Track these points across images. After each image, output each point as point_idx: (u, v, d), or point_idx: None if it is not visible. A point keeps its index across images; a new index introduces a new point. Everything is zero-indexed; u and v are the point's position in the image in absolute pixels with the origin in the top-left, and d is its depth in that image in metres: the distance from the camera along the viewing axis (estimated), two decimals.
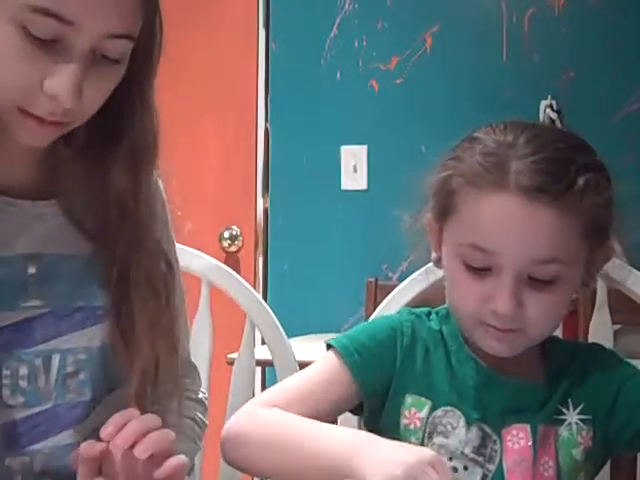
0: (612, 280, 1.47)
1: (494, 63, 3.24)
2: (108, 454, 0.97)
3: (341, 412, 1.21)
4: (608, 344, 1.56)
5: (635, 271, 1.54)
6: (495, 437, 1.18)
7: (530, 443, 1.17)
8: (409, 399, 1.20)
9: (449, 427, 1.18)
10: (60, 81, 1.00)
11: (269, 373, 3.17)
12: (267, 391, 1.21)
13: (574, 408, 1.20)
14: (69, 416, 1.12)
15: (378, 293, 3.01)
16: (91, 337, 1.13)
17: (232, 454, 1.16)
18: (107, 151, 1.13)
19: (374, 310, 1.66)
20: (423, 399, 1.19)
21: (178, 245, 1.32)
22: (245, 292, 1.70)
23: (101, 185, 1.14)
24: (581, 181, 1.10)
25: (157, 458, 0.98)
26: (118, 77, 1.07)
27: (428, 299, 1.50)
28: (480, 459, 1.17)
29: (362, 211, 3.32)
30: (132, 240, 1.14)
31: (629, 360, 1.26)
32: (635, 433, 1.19)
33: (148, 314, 1.14)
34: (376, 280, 3.11)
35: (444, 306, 1.24)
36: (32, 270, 1.11)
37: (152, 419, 1.00)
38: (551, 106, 3.15)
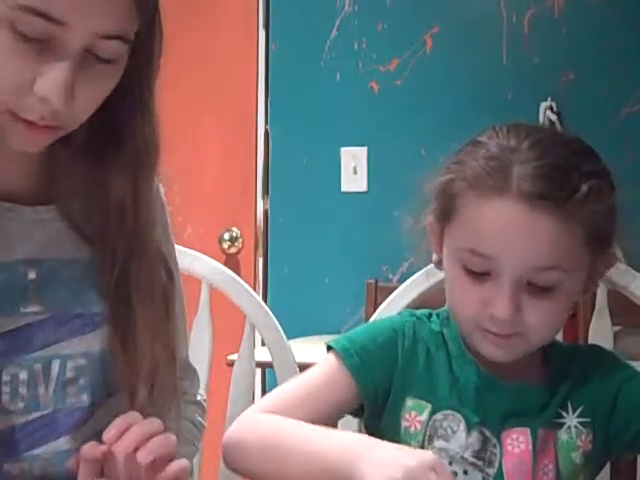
0: (612, 282, 1.47)
1: (494, 64, 3.24)
2: (110, 456, 0.97)
3: (342, 415, 1.21)
4: (608, 346, 1.56)
5: (635, 273, 1.54)
6: (495, 441, 1.18)
7: (530, 447, 1.17)
8: (409, 402, 1.19)
9: (449, 431, 1.17)
10: (50, 81, 0.98)
11: (269, 375, 3.17)
12: (267, 396, 1.21)
13: (573, 411, 1.19)
14: (68, 421, 1.11)
15: (378, 294, 3.01)
16: (91, 343, 1.12)
17: (233, 461, 1.16)
18: (107, 156, 1.12)
19: (374, 312, 1.66)
20: (423, 402, 1.19)
21: (178, 247, 1.32)
22: (245, 294, 1.70)
23: (100, 190, 1.13)
24: (584, 188, 1.09)
25: (159, 462, 0.98)
26: (113, 79, 1.05)
27: (428, 301, 1.50)
28: (480, 463, 1.17)
29: (362, 213, 3.32)
30: (131, 246, 1.13)
31: (629, 362, 1.26)
32: (635, 434, 1.19)
33: (147, 321, 1.13)
34: (376, 281, 3.11)
35: (445, 308, 1.24)
36: (32, 276, 1.10)
37: (154, 423, 0.99)
38: (551, 108, 3.15)
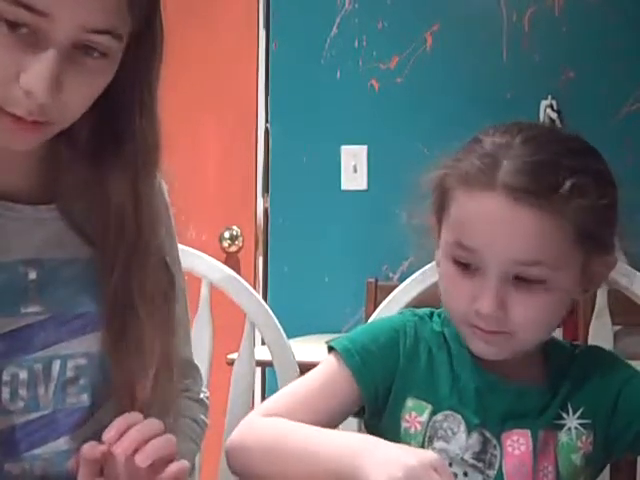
0: (613, 282, 1.47)
1: (494, 63, 3.24)
2: (110, 456, 0.97)
3: (344, 416, 1.21)
4: (608, 345, 1.56)
5: (636, 272, 1.54)
6: (495, 442, 1.17)
7: (530, 449, 1.17)
8: (410, 403, 1.19)
9: (449, 432, 1.17)
10: (35, 74, 0.97)
11: (269, 374, 3.17)
12: (269, 399, 1.21)
13: (574, 412, 1.19)
14: (68, 422, 1.11)
15: (378, 293, 3.01)
16: (91, 343, 1.12)
17: (236, 465, 1.16)
18: (108, 156, 1.12)
19: (374, 311, 1.66)
20: (424, 403, 1.19)
21: (179, 246, 1.32)
22: (245, 292, 1.70)
23: (101, 191, 1.12)
24: (567, 184, 1.09)
25: (159, 463, 0.98)
26: (106, 75, 1.04)
27: (429, 299, 1.50)
28: (480, 465, 1.17)
29: (362, 211, 3.32)
30: (132, 249, 1.13)
31: (629, 362, 1.25)
32: (636, 436, 1.18)
33: (147, 322, 1.13)
34: (376, 280, 3.11)
35: None
36: (32, 276, 1.10)
37: (154, 424, 0.99)
38: (551, 106, 3.15)
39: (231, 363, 1.76)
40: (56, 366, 1.10)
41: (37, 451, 1.09)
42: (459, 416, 1.18)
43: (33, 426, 1.09)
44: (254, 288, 1.82)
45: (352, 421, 1.29)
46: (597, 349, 1.29)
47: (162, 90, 1.14)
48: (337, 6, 3.38)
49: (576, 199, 1.09)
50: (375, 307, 1.71)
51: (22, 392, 1.08)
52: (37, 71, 0.98)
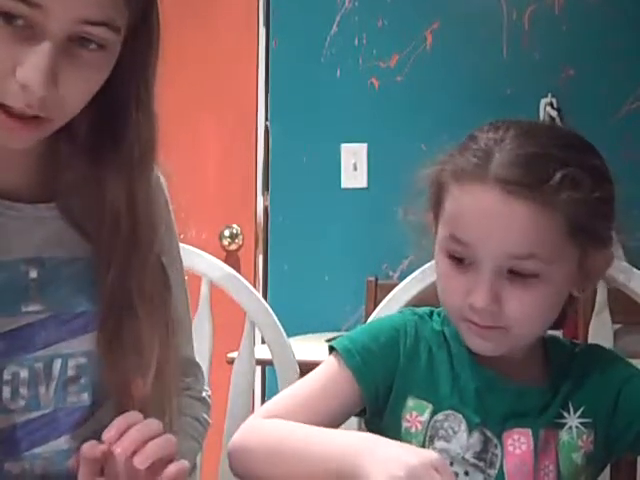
0: (612, 279, 1.46)
1: (494, 61, 3.24)
2: (110, 455, 0.97)
3: (346, 417, 1.21)
4: (608, 344, 1.56)
5: (635, 270, 1.54)
6: (496, 441, 1.17)
7: (531, 448, 1.17)
8: (410, 402, 1.19)
9: (450, 431, 1.17)
10: (30, 67, 0.97)
11: (269, 372, 3.17)
12: (270, 401, 1.21)
13: (575, 411, 1.19)
14: (69, 421, 1.11)
15: (378, 292, 3.01)
16: (92, 342, 1.12)
17: (239, 468, 1.16)
18: (105, 154, 1.11)
19: (374, 309, 1.66)
20: (425, 402, 1.19)
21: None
22: (245, 291, 1.70)
23: (97, 189, 1.12)
24: (558, 176, 1.09)
25: (159, 463, 0.98)
26: (103, 68, 1.04)
27: (429, 298, 1.49)
28: (481, 464, 1.16)
29: (362, 209, 3.32)
30: (128, 247, 1.12)
31: (629, 360, 1.25)
32: (636, 435, 1.18)
33: (143, 324, 1.12)
34: (376, 279, 3.11)
35: None
36: (33, 275, 1.10)
37: (154, 425, 0.99)
38: (551, 104, 3.15)
39: (231, 362, 1.76)
40: (57, 365, 1.10)
41: (37, 450, 1.09)
42: (460, 415, 1.17)
43: (34, 425, 1.09)
44: (254, 287, 1.82)
45: (353, 420, 1.29)
46: (597, 347, 1.28)
47: (162, 88, 1.13)
48: (337, 4, 3.38)
49: (567, 191, 1.09)
50: (375, 306, 1.71)
51: (23, 391, 1.08)
52: (32, 64, 0.97)
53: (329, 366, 1.20)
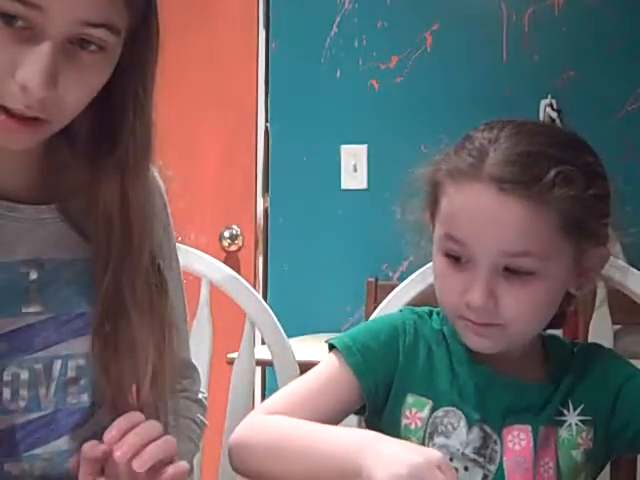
0: (612, 280, 1.47)
1: (494, 62, 3.24)
2: (110, 455, 0.97)
3: (345, 414, 1.21)
4: (608, 344, 1.55)
5: (635, 271, 1.54)
6: (496, 437, 1.18)
7: (531, 444, 1.17)
8: (410, 399, 1.20)
9: (450, 427, 1.18)
10: (29, 68, 0.97)
11: (269, 373, 3.17)
12: (270, 398, 1.21)
13: (574, 409, 1.19)
14: (68, 422, 1.11)
15: (378, 293, 3.01)
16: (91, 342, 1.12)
17: (239, 463, 1.17)
18: (102, 156, 1.11)
19: (374, 310, 1.66)
20: (424, 399, 1.19)
21: (178, 244, 1.31)
22: (245, 292, 1.70)
23: (94, 192, 1.12)
24: (551, 173, 1.09)
25: (159, 465, 0.98)
26: (103, 70, 1.04)
27: (428, 299, 1.49)
28: (481, 460, 1.17)
29: (362, 210, 3.32)
30: (121, 250, 1.12)
31: (630, 361, 1.25)
32: (635, 434, 1.19)
33: (137, 327, 1.12)
34: (376, 280, 3.11)
35: None
36: (33, 276, 1.10)
37: (153, 427, 0.99)
38: (551, 105, 3.15)
39: (231, 363, 1.76)
40: (57, 366, 1.10)
41: (37, 451, 1.09)
42: (459, 412, 1.18)
43: (33, 426, 1.09)
44: (254, 288, 1.82)
45: (352, 418, 1.29)
46: (597, 347, 1.29)
47: (162, 90, 1.13)
48: (337, 6, 3.38)
49: (561, 188, 1.10)
50: (375, 307, 1.71)
51: (23, 392, 1.08)
52: (32, 65, 0.97)
53: (329, 364, 1.20)
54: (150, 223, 1.16)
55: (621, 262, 1.40)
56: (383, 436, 1.06)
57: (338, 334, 1.24)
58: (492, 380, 1.19)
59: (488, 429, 1.18)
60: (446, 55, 3.28)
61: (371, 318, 1.55)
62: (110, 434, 0.97)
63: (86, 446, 0.98)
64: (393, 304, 1.61)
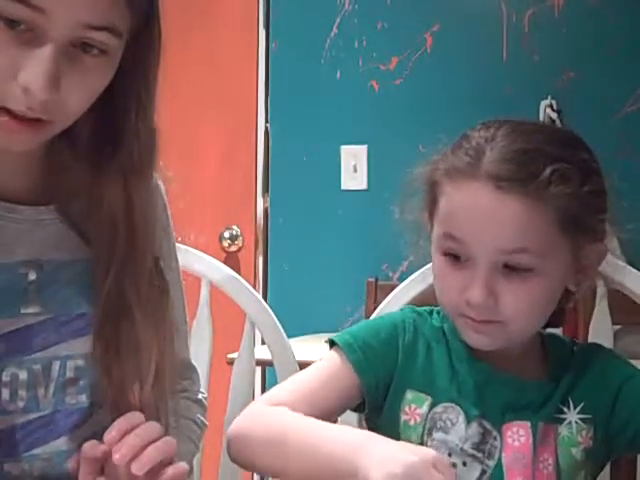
0: (611, 280, 1.47)
1: (494, 63, 3.24)
2: (110, 455, 0.97)
3: (344, 410, 1.22)
4: (608, 344, 1.56)
5: (634, 271, 1.54)
6: (495, 433, 1.18)
7: (530, 441, 1.18)
8: (409, 395, 1.20)
9: (449, 423, 1.18)
10: (32, 70, 0.97)
11: (269, 373, 3.17)
12: (270, 391, 1.21)
13: (574, 407, 1.20)
14: (67, 422, 1.11)
15: (378, 293, 3.01)
16: (91, 344, 1.11)
17: (236, 453, 1.17)
18: (104, 158, 1.11)
19: (374, 310, 1.66)
20: (423, 395, 1.20)
21: (178, 245, 1.32)
22: (245, 292, 1.70)
23: (96, 193, 1.12)
24: (548, 170, 1.10)
25: (158, 466, 0.98)
26: (105, 73, 1.04)
27: (428, 299, 1.50)
28: (479, 455, 1.17)
29: (362, 211, 3.32)
30: (125, 253, 1.12)
31: (630, 361, 1.26)
32: (635, 434, 1.19)
33: (141, 329, 1.12)
34: (376, 280, 3.11)
35: None
36: (32, 277, 1.10)
37: (153, 428, 0.99)
38: (551, 106, 3.15)
39: (231, 363, 1.76)
40: (56, 367, 1.10)
41: (36, 451, 1.09)
42: (458, 407, 1.18)
43: (32, 426, 1.09)
44: (254, 288, 1.82)
45: (352, 416, 1.29)
46: (597, 346, 1.29)
47: (162, 90, 1.13)
48: (337, 6, 3.38)
49: (557, 185, 1.10)
50: (375, 307, 1.71)
51: (22, 393, 1.08)
52: (34, 68, 0.97)
53: (330, 360, 1.21)
54: (153, 225, 1.16)
55: (620, 262, 1.41)
56: (379, 436, 1.07)
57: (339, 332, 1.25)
58: (491, 377, 1.19)
59: (487, 425, 1.18)
60: (446, 56, 3.28)
61: (371, 318, 1.56)
62: (110, 434, 0.97)
63: (86, 446, 0.98)
64: (393, 304, 1.61)
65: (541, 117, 3.12)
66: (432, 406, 1.19)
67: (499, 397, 1.19)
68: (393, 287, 1.66)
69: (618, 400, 1.20)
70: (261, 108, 3.44)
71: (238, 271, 2.13)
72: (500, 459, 1.17)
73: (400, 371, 1.21)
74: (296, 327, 2.46)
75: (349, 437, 1.07)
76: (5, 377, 1.07)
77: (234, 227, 3.44)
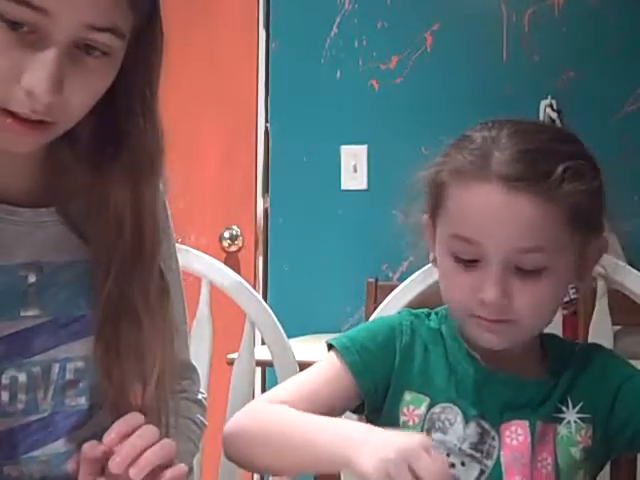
0: (611, 280, 1.47)
1: (494, 63, 3.24)
2: (110, 455, 0.97)
3: (343, 411, 1.22)
4: (608, 345, 1.56)
5: (634, 271, 1.54)
6: (493, 433, 1.18)
7: (529, 440, 1.18)
8: (408, 396, 1.20)
9: (447, 423, 1.18)
10: (35, 73, 0.97)
11: (269, 373, 3.17)
12: (270, 391, 1.22)
13: (573, 407, 1.20)
14: (66, 424, 1.11)
15: (378, 293, 3.01)
16: (90, 346, 1.11)
17: (233, 450, 1.17)
18: (108, 160, 1.11)
19: (374, 310, 1.66)
20: (421, 396, 1.20)
21: (178, 245, 1.31)
22: (245, 292, 1.70)
23: (100, 195, 1.11)
24: (560, 168, 1.11)
25: (157, 469, 0.98)
26: (108, 74, 1.04)
27: (428, 299, 1.50)
28: (478, 455, 1.18)
29: (362, 211, 3.32)
30: (132, 255, 1.12)
31: (629, 361, 1.26)
32: (634, 434, 1.19)
33: (146, 331, 1.12)
34: (376, 280, 3.11)
35: (444, 307, 1.25)
36: (32, 279, 1.09)
37: (151, 432, 0.99)
38: (551, 106, 3.15)
39: (231, 363, 1.76)
40: (55, 369, 1.10)
41: (35, 453, 1.09)
42: (456, 408, 1.19)
43: (32, 429, 1.09)
44: (254, 288, 1.82)
45: (352, 417, 1.29)
46: (597, 346, 1.29)
47: (162, 90, 1.13)
48: (337, 6, 3.38)
49: (570, 183, 1.11)
50: (375, 307, 1.71)
51: (21, 395, 1.08)
52: (38, 71, 0.97)
53: (328, 363, 1.21)
54: (159, 226, 1.16)
55: (620, 262, 1.41)
56: (373, 427, 1.07)
57: (338, 334, 1.25)
58: (490, 377, 1.20)
59: (486, 425, 1.18)
60: (446, 55, 3.28)
61: (371, 319, 1.56)
62: (109, 437, 0.97)
63: (86, 446, 0.98)
64: (393, 304, 1.61)
65: (541, 117, 3.12)
66: (430, 407, 1.19)
67: (497, 396, 1.19)
68: (393, 287, 1.66)
69: (617, 400, 1.20)
70: (261, 108, 3.44)
71: (238, 271, 2.12)
72: (499, 459, 1.18)
73: (398, 373, 1.21)
74: (296, 327, 2.46)
75: (345, 429, 1.08)
76: (4, 380, 1.07)
77: (234, 227, 3.44)
